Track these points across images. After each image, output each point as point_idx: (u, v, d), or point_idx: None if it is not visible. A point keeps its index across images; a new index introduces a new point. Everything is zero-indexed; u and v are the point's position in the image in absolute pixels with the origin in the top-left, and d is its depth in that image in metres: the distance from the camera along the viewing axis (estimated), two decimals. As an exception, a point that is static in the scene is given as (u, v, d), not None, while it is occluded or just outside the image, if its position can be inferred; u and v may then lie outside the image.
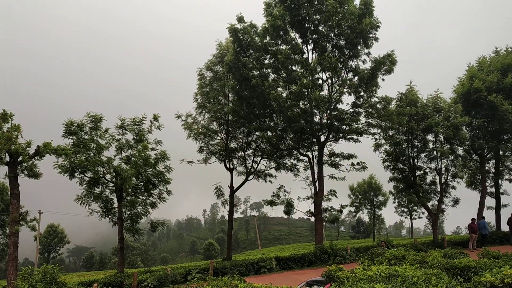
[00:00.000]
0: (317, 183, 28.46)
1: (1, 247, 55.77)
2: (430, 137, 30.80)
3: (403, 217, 61.48)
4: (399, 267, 11.43)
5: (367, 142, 30.27)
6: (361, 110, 27.96)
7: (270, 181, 31.44)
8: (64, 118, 22.69)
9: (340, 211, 29.89)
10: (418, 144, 31.03)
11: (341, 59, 26.98)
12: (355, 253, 27.35)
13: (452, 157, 30.52)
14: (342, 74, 27.45)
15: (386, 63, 26.43)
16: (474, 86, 31.93)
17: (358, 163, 29.42)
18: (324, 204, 28.67)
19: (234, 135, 31.03)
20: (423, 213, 55.25)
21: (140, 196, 24.45)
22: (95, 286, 19.03)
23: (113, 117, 24.35)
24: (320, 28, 26.95)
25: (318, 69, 26.62)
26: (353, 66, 27.49)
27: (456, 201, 32.43)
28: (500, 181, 37.27)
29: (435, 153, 30.46)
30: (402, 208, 57.43)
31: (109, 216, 24.05)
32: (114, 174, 23.23)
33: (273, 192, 29.71)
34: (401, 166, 31.93)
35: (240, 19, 26.82)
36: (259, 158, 31.15)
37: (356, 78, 27.24)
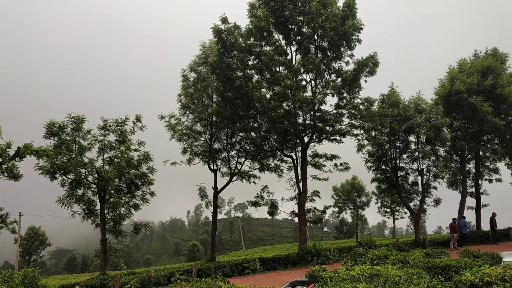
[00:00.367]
0: (300, 184, 28.57)
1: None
2: (412, 138, 31.14)
3: (386, 217, 62.29)
4: (381, 267, 11.54)
5: (350, 143, 30.63)
6: (344, 111, 28.18)
7: (254, 182, 31.49)
8: (53, 118, 22.47)
9: (324, 212, 30.03)
10: (400, 145, 31.33)
11: (325, 61, 27.14)
12: (339, 253, 27.52)
13: (434, 158, 30.88)
14: (326, 75, 27.63)
15: (369, 65, 26.69)
16: (455, 88, 32.42)
17: (341, 164, 29.65)
18: (308, 205, 28.81)
19: (218, 136, 30.99)
20: (405, 213, 55.64)
21: (123, 198, 24.25)
22: (77, 289, 18.82)
23: (101, 117, 24.16)
24: (304, 29, 27.07)
25: (302, 71, 26.74)
26: (336, 68, 27.67)
27: (437, 201, 32.81)
28: (480, 182, 37.85)
29: (417, 153, 30.80)
30: (385, 209, 57.54)
31: (91, 218, 23.79)
32: (96, 175, 23.01)
33: (257, 193, 29.73)
34: (384, 167, 32.20)
35: (224, 20, 26.79)
36: (243, 159, 31.16)
37: (339, 79, 27.43)
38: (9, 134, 19.72)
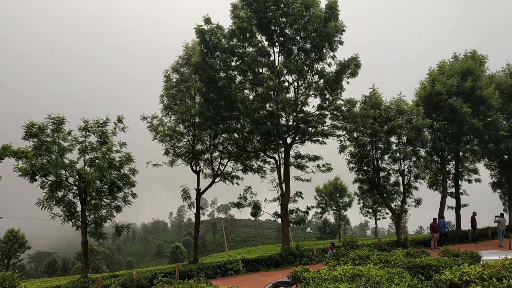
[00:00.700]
0: (283, 185, 28.65)
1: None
2: (393, 139, 31.43)
3: (368, 217, 62.70)
4: (363, 267, 11.63)
5: (333, 144, 30.76)
6: (326, 112, 28.36)
7: (237, 183, 31.45)
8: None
9: (306, 213, 30.15)
10: (382, 145, 31.62)
11: (307, 62, 27.28)
12: (321, 254, 27.67)
13: (414, 159, 31.26)
14: (308, 76, 27.75)
15: (351, 66, 26.90)
16: (435, 89, 32.87)
17: (323, 165, 29.82)
18: (291, 206, 28.89)
19: (201, 137, 30.88)
20: (387, 213, 56.53)
21: (105, 199, 23.99)
22: (57, 292, 18.55)
23: (82, 118, 23.86)
24: (287, 31, 27.16)
25: (285, 72, 26.83)
26: (319, 69, 27.84)
27: (418, 202, 33.18)
28: (460, 182, 38.47)
29: (398, 154, 31.12)
30: (367, 209, 58.51)
31: (72, 220, 23.47)
32: (77, 177, 22.71)
33: (240, 194, 29.73)
34: (366, 168, 32.45)
35: (207, 21, 26.72)
36: (226, 160, 31.12)
37: (321, 80, 27.58)
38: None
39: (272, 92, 26.11)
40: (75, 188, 23.05)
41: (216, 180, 30.66)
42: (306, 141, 28.99)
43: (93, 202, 23.28)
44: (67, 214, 23.19)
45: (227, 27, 27.11)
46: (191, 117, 29.62)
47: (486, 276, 8.79)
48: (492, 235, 33.14)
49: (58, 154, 22.44)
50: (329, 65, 27.89)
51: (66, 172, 22.72)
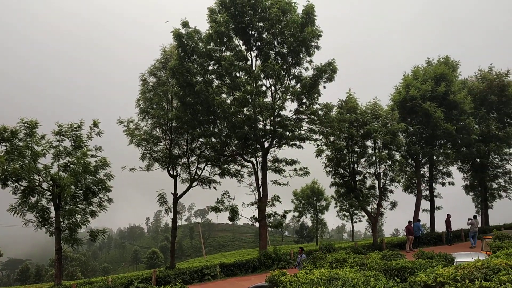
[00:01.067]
0: (261, 189, 28.69)
1: None
2: (369, 143, 31.81)
3: (345, 220, 63.09)
4: (339, 270, 11.72)
5: (310, 148, 30.86)
6: (303, 116, 28.56)
7: (214, 188, 31.32)
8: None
9: (284, 216, 30.25)
10: (358, 149, 31.95)
11: (284, 67, 27.44)
12: (301, 257, 27.71)
13: (390, 162, 31.71)
14: (285, 81, 27.93)
15: (328, 71, 27.18)
16: (410, 94, 33.45)
17: (301, 169, 29.98)
18: (268, 210, 28.94)
19: (178, 142, 30.66)
20: (363, 216, 56.90)
21: (79, 205, 23.53)
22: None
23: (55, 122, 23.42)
24: (264, 35, 27.28)
25: (262, 76, 26.94)
26: (296, 74, 28.05)
27: (394, 205, 33.65)
28: (434, 185, 39.23)
29: (374, 158, 31.50)
30: (344, 212, 58.99)
31: (46, 226, 22.92)
32: (51, 182, 22.24)
33: (218, 199, 29.62)
34: (342, 171, 32.74)
35: (185, 24, 26.63)
36: (203, 165, 30.97)
37: (298, 85, 27.79)
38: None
39: (250, 96, 26.16)
40: (49, 193, 22.56)
41: (193, 185, 30.48)
42: (284, 145, 29.10)
43: (67, 207, 22.80)
44: (41, 220, 22.64)
45: (205, 31, 27.09)
46: (168, 121, 29.39)
47: (459, 278, 8.96)
48: (465, 237, 33.82)
49: (31, 159, 21.93)
50: (306, 69, 28.16)
51: (40, 177, 22.23)
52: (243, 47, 27.88)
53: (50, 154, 22.91)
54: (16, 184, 21.66)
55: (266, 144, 28.85)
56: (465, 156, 38.38)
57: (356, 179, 32.34)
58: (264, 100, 26.60)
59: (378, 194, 32.25)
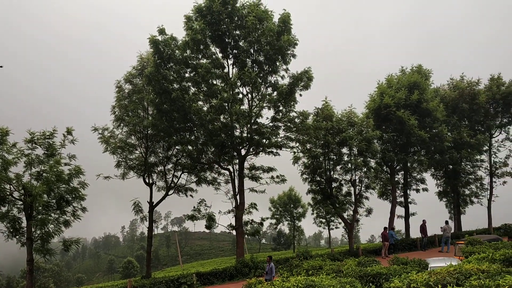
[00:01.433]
0: (238, 197, 28.64)
1: None
2: (345, 150, 32.15)
3: (322, 227, 63.35)
4: (316, 277, 11.77)
5: (286, 156, 31.12)
6: (280, 124, 28.69)
7: (191, 196, 31.06)
8: None
9: (261, 224, 30.24)
10: (334, 157, 32.24)
11: (261, 74, 27.55)
12: (275, 265, 27.69)
13: (365, 169, 32.11)
14: (262, 89, 28.03)
15: (304, 79, 27.40)
16: (384, 102, 33.99)
17: (277, 176, 30.08)
18: (245, 217, 28.91)
19: (154, 149, 30.35)
20: (340, 223, 57.44)
21: (52, 214, 22.99)
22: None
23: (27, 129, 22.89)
24: (240, 43, 27.37)
25: (239, 84, 26.98)
26: (272, 81, 28.18)
27: (369, 211, 34.01)
28: (408, 191, 39.85)
29: (349, 165, 31.84)
30: (320, 219, 59.29)
31: (17, 237, 22.33)
32: (23, 191, 21.71)
33: (194, 207, 29.43)
34: (319, 178, 32.95)
35: (161, 31, 26.51)
36: (179, 173, 30.73)
37: (275, 93, 27.91)
38: None
39: (226, 104, 26.16)
40: (20, 202, 22.00)
41: (169, 193, 30.20)
42: (260, 152, 29.14)
43: (39, 217, 22.27)
44: (11, 230, 22.03)
45: (181, 39, 27.01)
46: (144, 128, 29.10)
47: (432, 283, 9.12)
48: (439, 242, 34.42)
49: (2, 168, 21.37)
50: (283, 77, 28.31)
51: (11, 186, 21.68)
52: (220, 55, 27.90)
53: (21, 162, 22.36)
54: (-14, 193, 21.07)
55: (243, 152, 28.85)
56: (438, 163, 39.17)
57: (332, 186, 32.59)
58: (241, 107, 26.62)
59: (354, 201, 32.57)
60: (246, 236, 29.72)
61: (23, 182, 21.79)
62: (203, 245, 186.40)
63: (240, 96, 27.72)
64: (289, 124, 28.50)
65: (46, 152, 22.99)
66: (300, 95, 28.17)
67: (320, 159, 32.31)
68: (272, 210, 71.14)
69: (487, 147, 41.55)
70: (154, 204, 29.57)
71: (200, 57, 27.45)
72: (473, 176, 42.14)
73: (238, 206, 28.38)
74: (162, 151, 30.61)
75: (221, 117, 27.43)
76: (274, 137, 28.11)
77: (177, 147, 29.23)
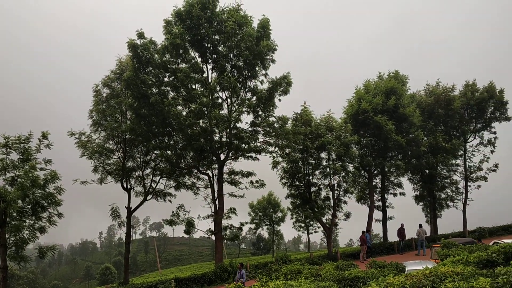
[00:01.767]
0: (217, 201, 28.57)
1: None
2: (323, 154, 32.37)
3: (301, 232, 63.66)
4: (294, 282, 11.83)
5: (266, 160, 31.09)
6: (259, 129, 28.75)
7: (169, 201, 30.89)
8: None
9: (240, 229, 30.24)
10: (313, 161, 32.43)
11: (240, 79, 27.60)
12: (255, 270, 27.72)
13: (344, 174, 32.35)
14: (241, 93, 28.07)
15: (283, 84, 27.53)
16: (362, 107, 34.32)
17: (257, 181, 30.14)
18: (224, 222, 28.85)
19: (132, 154, 30.10)
20: (318, 227, 57.67)
21: (27, 220, 22.52)
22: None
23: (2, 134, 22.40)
24: (220, 48, 27.39)
25: (218, 88, 26.98)
26: (252, 86, 28.24)
27: (348, 215, 34.26)
28: (386, 195, 40.27)
29: (328, 170, 32.05)
30: (300, 223, 59.50)
31: (-10, 244, 21.83)
32: (-4, 197, 21.22)
33: (173, 212, 29.25)
34: (298, 183, 33.08)
35: (140, 35, 26.36)
36: (158, 177, 30.52)
37: (254, 98, 27.98)
38: None
39: (206, 109, 26.14)
40: (-7, 209, 21.52)
41: (147, 198, 29.97)
42: (240, 157, 29.16)
43: (13, 223, 21.81)
44: (-16, 237, 21.55)
45: (161, 42, 26.90)
46: (122, 133, 28.83)
47: (409, 286, 9.26)
48: (416, 246, 34.87)
49: (-25, 173, 20.92)
50: (262, 82, 28.41)
51: (-16, 191, 21.19)
52: (199, 59, 27.88)
53: (-5, 167, 21.89)
54: (-42, 199, 20.54)
55: (222, 156, 28.81)
56: (415, 167, 39.78)
57: (311, 190, 32.76)
58: (220, 112, 26.63)
59: (332, 205, 32.77)
60: (225, 241, 29.68)
61: (-3, 188, 21.32)
62: (182, 250, 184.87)
63: (220, 100, 27.74)
64: (268, 129, 28.57)
65: (21, 157, 22.57)
66: (279, 100, 28.33)
67: (299, 163, 32.47)
68: (251, 214, 71.07)
69: (462, 152, 42.39)
70: (132, 210, 29.29)
71: (179, 61, 27.37)
72: (449, 180, 42.88)
73: (217, 211, 28.30)
74: (141, 156, 30.37)
75: (200, 121, 27.37)
76: (253, 142, 28.17)
77: (155, 151, 29.03)
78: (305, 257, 32.33)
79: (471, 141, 43.15)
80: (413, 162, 38.29)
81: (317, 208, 32.37)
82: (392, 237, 38.18)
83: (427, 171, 41.33)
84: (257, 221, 70.70)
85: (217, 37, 27.04)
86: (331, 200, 32.89)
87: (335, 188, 32.67)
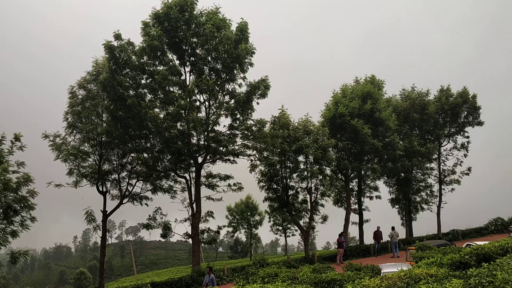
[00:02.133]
0: (194, 205, 28.42)
1: None
2: (301, 158, 32.50)
3: (278, 235, 63.58)
4: (271, 285, 11.85)
5: (244, 163, 31.09)
6: (237, 132, 28.73)
7: (146, 204, 30.58)
8: None
9: (218, 232, 30.16)
10: (291, 164, 32.56)
11: (218, 82, 27.54)
12: (232, 273, 27.66)
13: (321, 177, 32.56)
14: (219, 96, 28.02)
15: (261, 88, 27.58)
16: (339, 111, 34.65)
17: (234, 184, 30.14)
18: (202, 226, 28.76)
19: (108, 157, 29.69)
20: (296, 230, 57.90)
21: (-1, 224, 22.02)
22: None
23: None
24: (198, 51, 27.32)
25: (196, 91, 26.86)
26: (230, 89, 28.25)
27: (325, 218, 34.42)
28: (362, 198, 40.72)
29: (305, 173, 32.21)
30: (277, 227, 59.52)
31: (-41, 249, 21.24)
32: (-34, 200, 20.67)
33: (150, 215, 28.96)
34: (275, 186, 33.16)
35: (117, 36, 26.09)
36: (134, 181, 30.19)
37: (232, 101, 27.98)
38: None
39: (183, 111, 26.01)
40: (-37, 213, 20.96)
41: (123, 201, 29.59)
42: (217, 160, 29.11)
43: (-16, 227, 21.27)
44: (-47, 242, 20.95)
45: (138, 44, 26.67)
46: (98, 135, 28.41)
47: (384, 288, 9.37)
48: (391, 248, 35.33)
49: None
50: (240, 85, 28.42)
51: (-47, 195, 20.61)
52: (177, 62, 27.73)
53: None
54: None
55: (200, 160, 28.70)
56: (390, 171, 40.30)
57: (289, 193, 32.87)
58: (198, 115, 26.52)
59: (310, 208, 32.92)
60: (202, 244, 29.55)
61: (-33, 191, 20.77)
62: (159, 254, 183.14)
63: (197, 103, 27.66)
64: (246, 132, 28.58)
65: (-7, 159, 22.04)
66: (258, 103, 28.37)
67: (277, 167, 32.57)
68: (229, 218, 70.74)
69: (436, 156, 43.13)
70: (107, 213, 28.89)
71: (157, 63, 27.18)
72: (424, 184, 43.50)
73: (194, 215, 28.15)
74: (117, 158, 30.00)
75: (178, 124, 27.23)
76: (231, 145, 28.16)
77: (132, 154, 28.74)
78: (283, 260, 32.42)
79: (445, 145, 43.94)
80: (389, 166, 38.80)
81: (294, 211, 32.49)
82: (368, 239, 38.60)
83: (402, 174, 41.92)
84: (234, 224, 70.40)
85: (195, 39, 26.96)
86: (309, 203, 33.04)
87: (313, 191, 32.83)
